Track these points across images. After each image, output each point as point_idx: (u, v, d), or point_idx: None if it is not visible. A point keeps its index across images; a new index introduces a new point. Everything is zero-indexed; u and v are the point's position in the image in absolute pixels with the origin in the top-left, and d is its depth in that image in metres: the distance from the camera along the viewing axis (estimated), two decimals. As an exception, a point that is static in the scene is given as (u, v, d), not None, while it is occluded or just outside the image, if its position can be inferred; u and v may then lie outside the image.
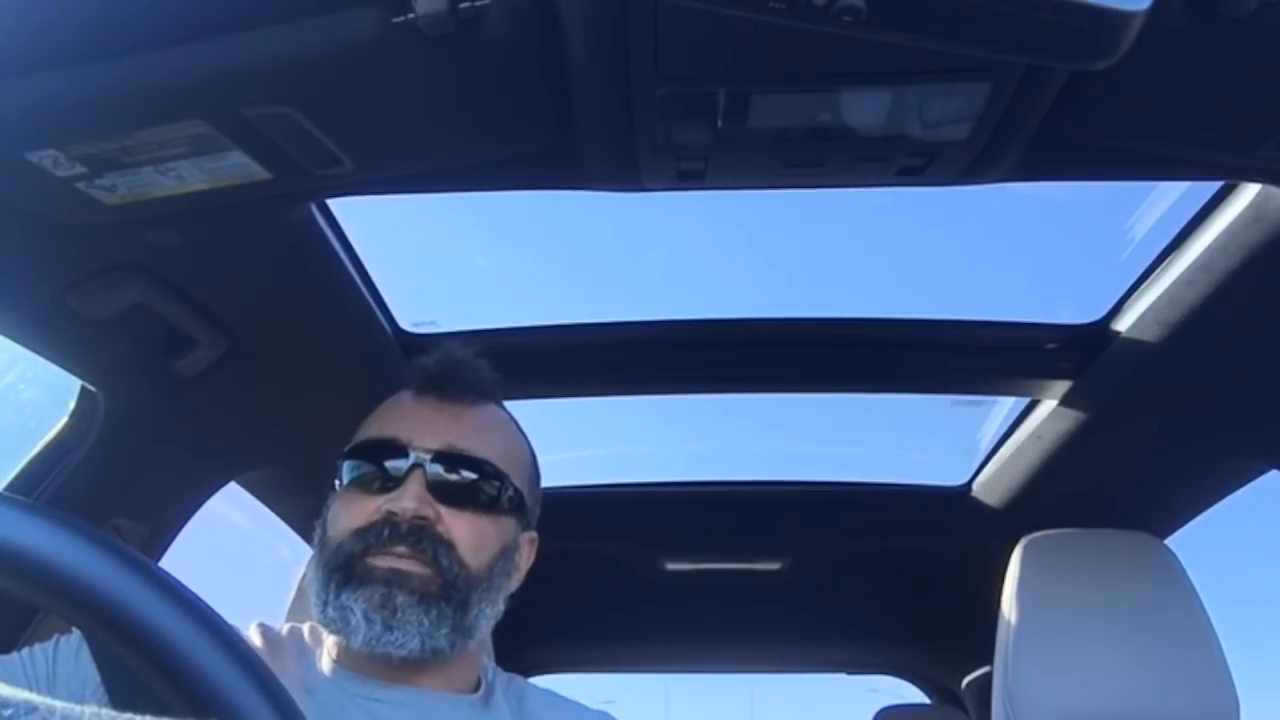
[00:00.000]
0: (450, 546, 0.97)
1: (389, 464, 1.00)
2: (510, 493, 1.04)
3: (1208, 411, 1.43)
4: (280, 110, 0.86)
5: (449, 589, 0.97)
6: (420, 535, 0.96)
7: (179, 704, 0.45)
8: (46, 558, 0.45)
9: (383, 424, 1.05)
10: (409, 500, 0.96)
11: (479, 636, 1.02)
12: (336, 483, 1.04)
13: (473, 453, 1.01)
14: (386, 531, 0.96)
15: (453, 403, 1.05)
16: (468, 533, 0.99)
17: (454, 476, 1.00)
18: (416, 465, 0.99)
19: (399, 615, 0.94)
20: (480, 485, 1.01)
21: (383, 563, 0.96)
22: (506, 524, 1.04)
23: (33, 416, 1.34)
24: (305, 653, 1.04)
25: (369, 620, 0.94)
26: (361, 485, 1.01)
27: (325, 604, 0.97)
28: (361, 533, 0.97)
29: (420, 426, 1.02)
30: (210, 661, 0.45)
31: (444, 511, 0.98)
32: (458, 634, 0.97)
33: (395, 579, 0.95)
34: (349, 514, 0.99)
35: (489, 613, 1.02)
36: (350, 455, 1.03)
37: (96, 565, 0.45)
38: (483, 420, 1.07)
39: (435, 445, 1.00)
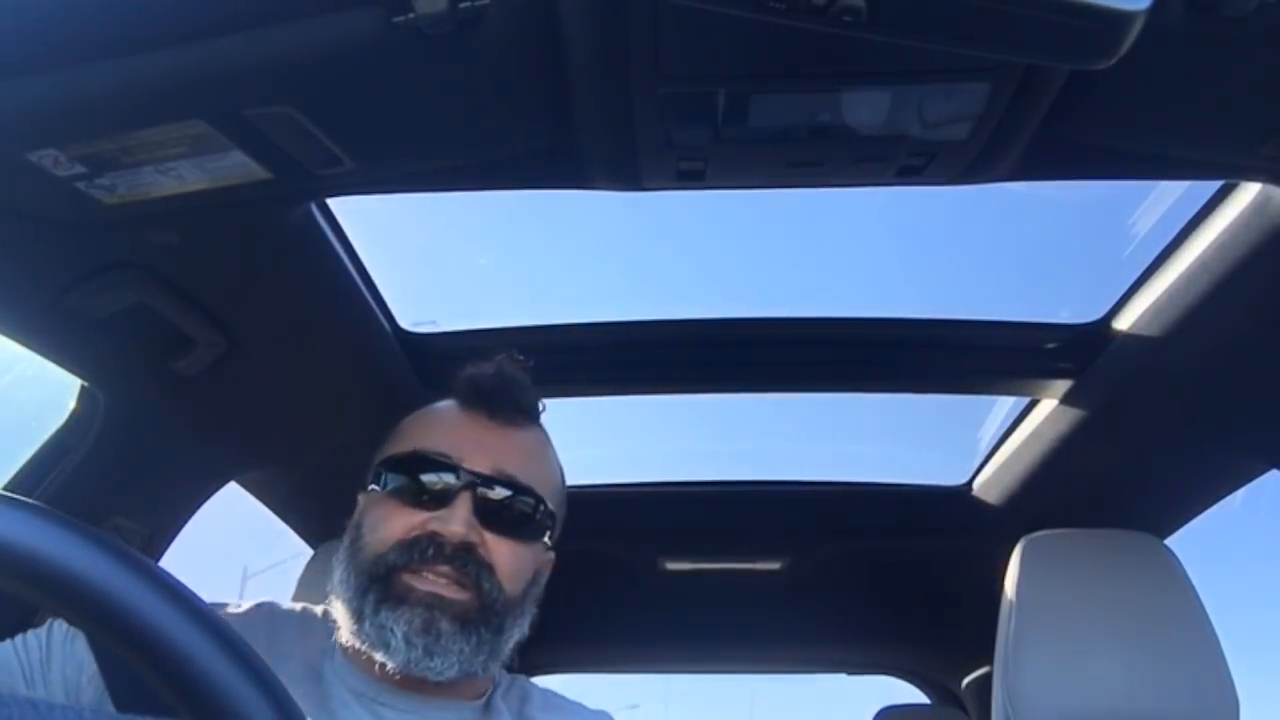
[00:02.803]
0: (491, 571, 0.97)
1: (435, 480, 0.99)
2: (547, 519, 1.05)
3: (1207, 411, 1.43)
4: (280, 110, 0.86)
5: (488, 613, 0.97)
6: (465, 559, 0.96)
7: (178, 702, 0.45)
8: (46, 557, 0.45)
9: (430, 436, 1.03)
10: (457, 525, 0.96)
11: (504, 658, 1.03)
12: (373, 487, 1.03)
13: (519, 479, 1.01)
14: (431, 550, 0.96)
15: (502, 423, 1.05)
16: (509, 558, 0.99)
17: (501, 502, 1.00)
18: (466, 487, 0.98)
19: (441, 641, 0.94)
20: (524, 512, 1.02)
21: (424, 585, 0.95)
22: (539, 548, 1.05)
23: (33, 416, 1.34)
24: (313, 634, 1.03)
25: (410, 643, 0.93)
26: (404, 496, 1.00)
27: (361, 617, 0.96)
28: (403, 546, 0.96)
29: (470, 445, 1.01)
30: (210, 661, 0.45)
31: (488, 536, 0.98)
32: (491, 658, 0.98)
33: (438, 603, 0.95)
34: (389, 524, 0.98)
35: (516, 635, 1.02)
36: (394, 464, 1.02)
37: (95, 564, 0.45)
38: (529, 443, 1.07)
39: (485, 468, 1.00)
